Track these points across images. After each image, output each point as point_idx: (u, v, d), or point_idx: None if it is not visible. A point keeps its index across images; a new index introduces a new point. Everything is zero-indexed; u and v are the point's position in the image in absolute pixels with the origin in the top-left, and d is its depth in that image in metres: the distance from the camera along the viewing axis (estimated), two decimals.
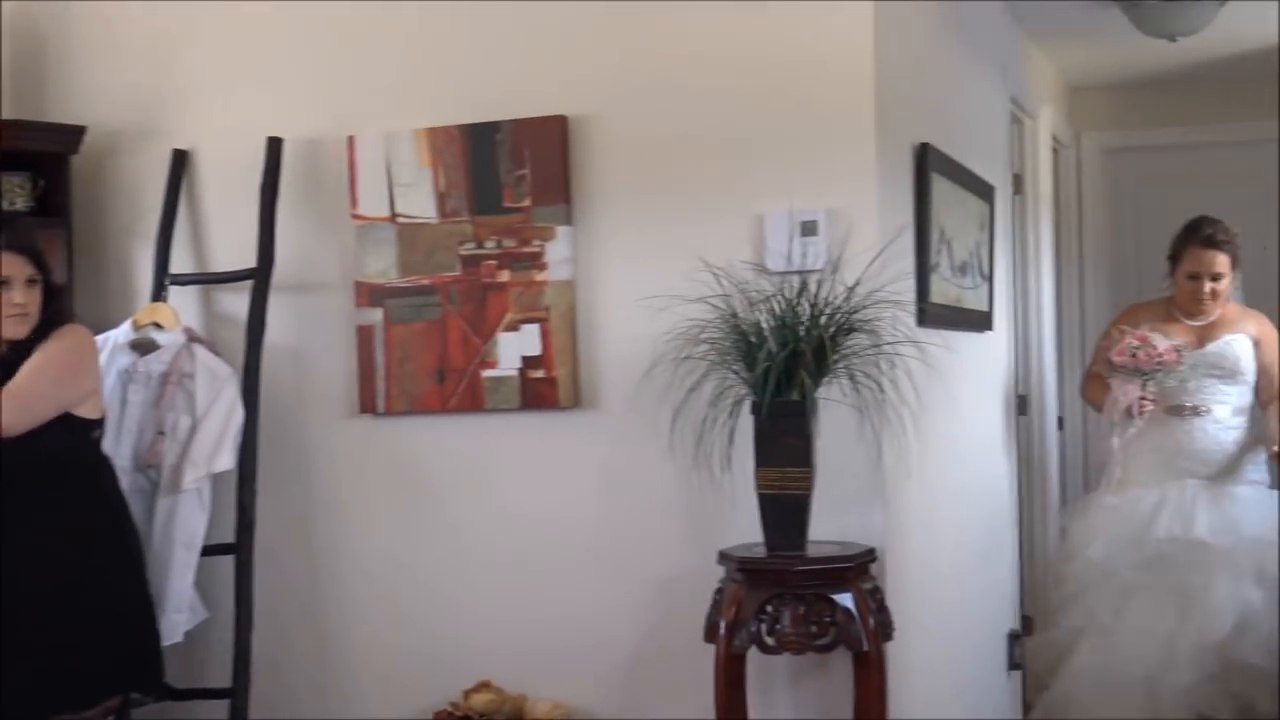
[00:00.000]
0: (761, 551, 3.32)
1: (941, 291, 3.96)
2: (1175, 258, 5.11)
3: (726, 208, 3.56)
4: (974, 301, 4.43)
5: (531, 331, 3.71)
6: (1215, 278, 5.03)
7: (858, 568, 3.29)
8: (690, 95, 3.63)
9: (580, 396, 3.71)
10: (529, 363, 3.72)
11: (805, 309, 3.26)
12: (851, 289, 3.29)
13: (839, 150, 3.49)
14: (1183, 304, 5.08)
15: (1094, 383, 5.15)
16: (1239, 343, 5.05)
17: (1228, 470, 5.00)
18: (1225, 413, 5.03)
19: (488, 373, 3.76)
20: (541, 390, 3.72)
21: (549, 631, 3.76)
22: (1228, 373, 5.01)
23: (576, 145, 3.70)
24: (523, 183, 3.71)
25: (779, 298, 3.29)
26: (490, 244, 3.75)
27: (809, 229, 3.44)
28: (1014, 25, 5.40)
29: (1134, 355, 4.85)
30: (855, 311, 3.28)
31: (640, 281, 3.59)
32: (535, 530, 3.78)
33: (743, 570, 3.29)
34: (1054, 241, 6.25)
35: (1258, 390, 5.10)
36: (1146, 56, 5.87)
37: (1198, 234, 5.04)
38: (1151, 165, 6.76)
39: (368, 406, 3.88)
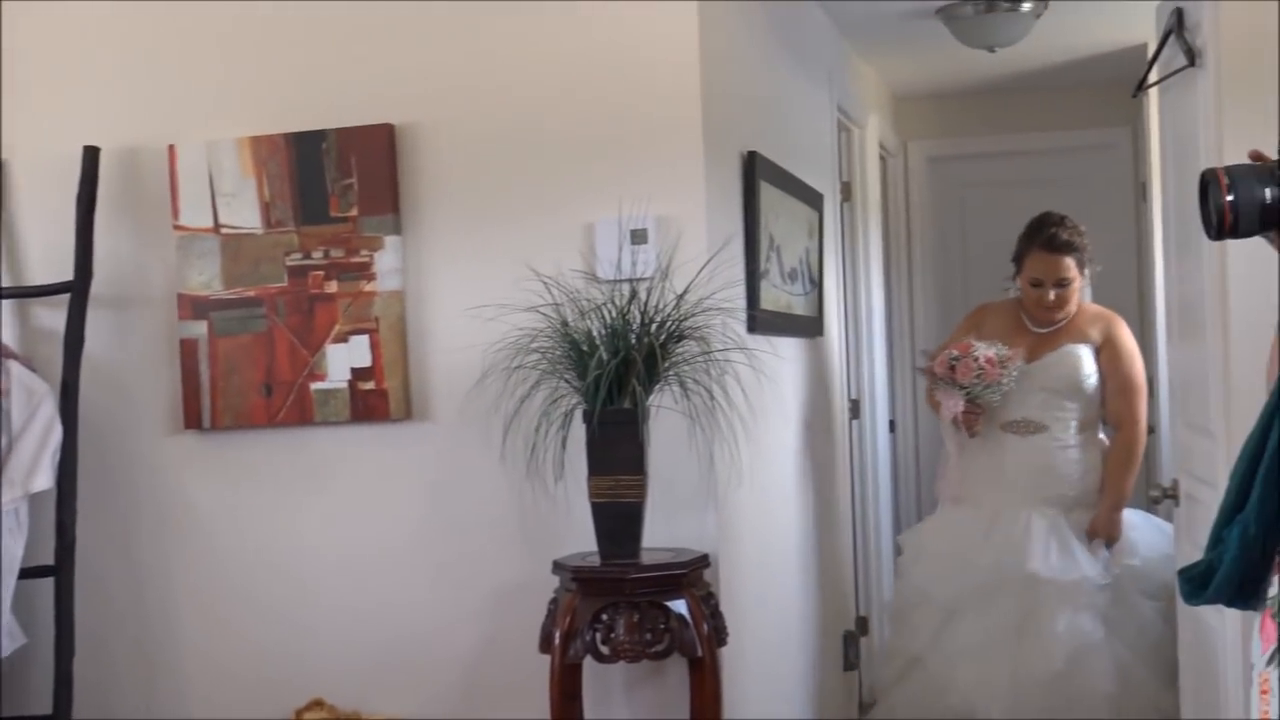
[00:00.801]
0: (595, 560, 3.31)
1: (771, 298, 4.00)
2: (1019, 260, 4.78)
3: (556, 216, 3.55)
4: (804, 308, 4.48)
5: (361, 343, 3.65)
6: (1060, 283, 4.68)
7: (691, 574, 3.29)
8: (518, 103, 3.61)
9: (411, 408, 3.66)
10: (359, 374, 3.66)
11: (636, 317, 3.26)
12: (681, 296, 3.29)
13: (667, 158, 3.49)
14: (1028, 310, 4.77)
15: (932, 395, 4.88)
16: (1077, 354, 4.69)
17: (1079, 501, 4.68)
18: (1066, 431, 4.69)
19: (317, 385, 3.69)
20: (372, 402, 3.66)
21: (383, 646, 3.70)
22: (1067, 388, 4.68)
23: (404, 154, 3.66)
24: (350, 192, 3.65)
25: (609, 306, 3.28)
26: (317, 254, 3.68)
27: (638, 237, 3.44)
28: (839, 36, 5.47)
29: (952, 368, 4.59)
30: (685, 319, 3.28)
31: (470, 291, 3.56)
32: (367, 544, 3.72)
33: (577, 579, 3.28)
34: (883, 247, 6.36)
35: (1105, 402, 4.73)
36: (967, 67, 6.01)
37: (1040, 236, 4.70)
38: (975, 172, 6.92)
39: (193, 422, 3.78)
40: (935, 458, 5.11)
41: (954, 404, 4.60)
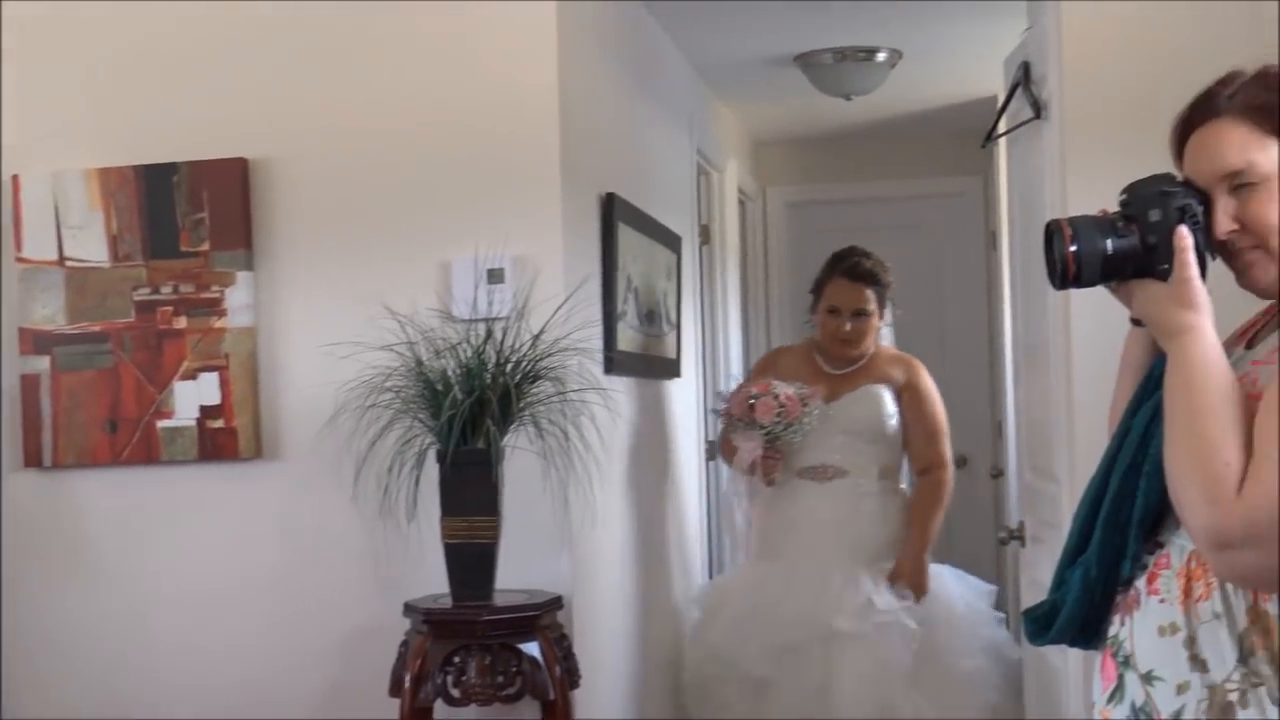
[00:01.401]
0: (447, 602, 3.27)
1: (628, 339, 3.99)
2: (818, 290, 4.56)
3: (412, 254, 3.52)
4: (661, 349, 4.48)
5: (210, 380, 3.58)
6: (858, 314, 4.44)
7: (544, 616, 3.26)
8: (376, 140, 3.57)
9: (261, 447, 3.59)
10: (207, 412, 3.58)
11: (491, 356, 3.23)
12: (537, 337, 3.27)
13: (525, 198, 3.48)
14: (824, 344, 4.51)
15: (727, 442, 4.53)
16: (878, 394, 4.45)
17: (881, 552, 4.37)
18: (867, 476, 4.41)
19: (163, 423, 3.59)
20: (221, 441, 3.58)
21: (231, 690, 3.60)
22: (868, 430, 4.41)
23: (258, 188, 3.59)
24: (201, 226, 3.58)
25: (465, 345, 3.25)
26: (166, 289, 3.59)
27: (495, 276, 3.42)
28: (700, 82, 5.52)
29: (750, 406, 4.27)
30: (541, 359, 3.26)
31: (324, 328, 3.50)
32: (216, 586, 3.63)
33: (428, 621, 3.23)
34: (741, 290, 6.40)
35: (909, 449, 4.51)
36: (825, 114, 6.09)
37: (842, 264, 4.49)
38: (833, 217, 7.00)
39: (33, 460, 3.65)
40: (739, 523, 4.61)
41: (753, 447, 4.25)
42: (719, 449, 4.66)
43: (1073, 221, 1.82)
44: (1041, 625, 1.94)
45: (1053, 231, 1.83)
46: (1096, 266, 1.80)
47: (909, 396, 4.48)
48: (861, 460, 4.40)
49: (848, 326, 4.44)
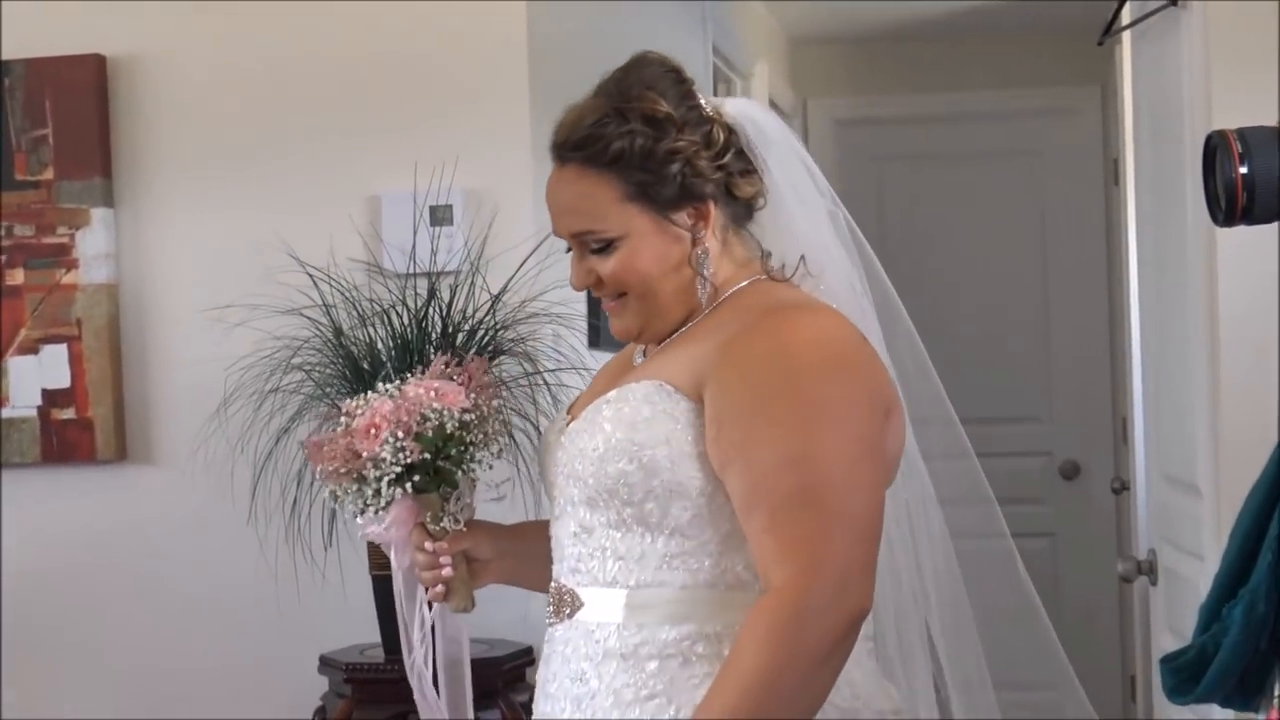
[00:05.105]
0: (379, 655, 3.29)
1: None
2: None
3: (330, 187, 3.55)
4: None
5: (57, 354, 3.61)
6: (584, 239, 2.20)
7: (509, 673, 3.29)
8: (284, 35, 3.60)
9: (126, 446, 3.63)
10: (53, 399, 3.62)
11: (436, 324, 3.25)
12: (498, 298, 3.29)
13: (481, 113, 3.51)
14: None
15: None
16: (620, 403, 2.17)
17: None
18: (607, 606, 2.17)
19: None
20: (71, 437, 3.62)
21: None
22: (597, 491, 2.17)
23: (120, 97, 3.62)
24: (43, 147, 3.61)
25: (400, 308, 3.26)
26: None
27: (441, 216, 3.44)
28: None
29: (347, 430, 2.30)
30: (504, 328, 3.29)
31: (209, 285, 3.53)
32: (66, 628, 3.65)
33: (352, 681, 3.26)
34: None
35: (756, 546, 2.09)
36: (886, 5, 6.08)
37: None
38: (895, 140, 6.98)
39: None
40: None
41: (382, 528, 2.38)
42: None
43: (1243, 135, 1.79)
44: (1186, 678, 1.93)
45: (1215, 146, 1.81)
46: (1274, 193, 1.78)
47: (716, 392, 2.13)
48: (596, 563, 2.24)
49: (583, 276, 2.26)
